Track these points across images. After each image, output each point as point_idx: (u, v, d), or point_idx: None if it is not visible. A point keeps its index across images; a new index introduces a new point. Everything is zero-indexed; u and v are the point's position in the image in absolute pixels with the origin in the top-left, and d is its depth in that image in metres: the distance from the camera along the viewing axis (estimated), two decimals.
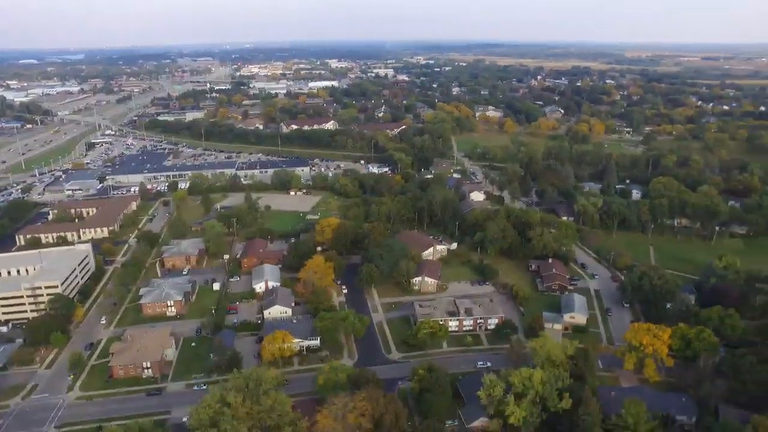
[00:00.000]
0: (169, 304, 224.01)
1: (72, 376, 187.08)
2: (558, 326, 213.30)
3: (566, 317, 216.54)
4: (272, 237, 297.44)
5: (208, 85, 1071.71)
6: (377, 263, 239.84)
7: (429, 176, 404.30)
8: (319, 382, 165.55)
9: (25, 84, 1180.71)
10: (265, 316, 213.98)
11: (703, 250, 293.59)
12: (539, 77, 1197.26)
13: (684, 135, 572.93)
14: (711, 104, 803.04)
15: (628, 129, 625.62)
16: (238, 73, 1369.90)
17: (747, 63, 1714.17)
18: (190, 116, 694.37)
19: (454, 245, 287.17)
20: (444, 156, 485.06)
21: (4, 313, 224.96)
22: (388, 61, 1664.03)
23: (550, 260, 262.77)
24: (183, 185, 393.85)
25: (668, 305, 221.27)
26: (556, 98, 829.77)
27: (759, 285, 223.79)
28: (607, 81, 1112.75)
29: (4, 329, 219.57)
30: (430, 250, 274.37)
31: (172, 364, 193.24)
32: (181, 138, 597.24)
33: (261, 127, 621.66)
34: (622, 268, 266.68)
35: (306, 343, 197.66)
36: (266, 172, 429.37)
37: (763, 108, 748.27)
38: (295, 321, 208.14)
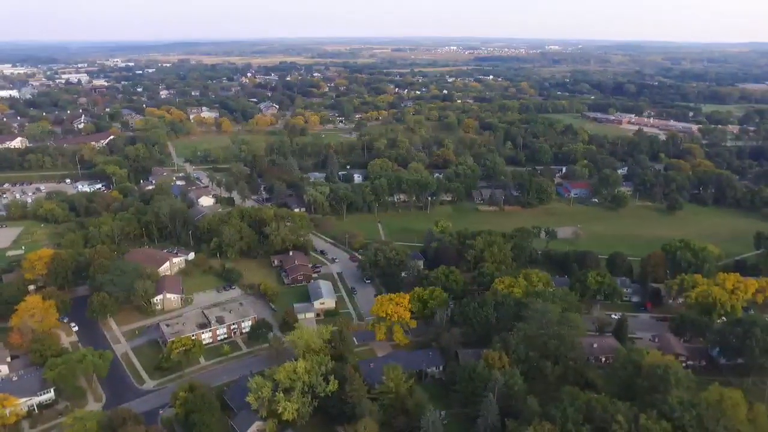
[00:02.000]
0: None
1: None
2: (310, 315, 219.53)
3: (316, 304, 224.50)
4: None
5: None
6: (109, 290, 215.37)
7: (150, 187, 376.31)
8: None
9: None
10: None
11: (422, 220, 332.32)
12: (249, 74, 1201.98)
13: (389, 119, 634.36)
14: (406, 90, 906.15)
15: (340, 118, 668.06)
16: None
17: (427, 53, 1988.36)
18: None
19: (192, 255, 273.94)
20: (163, 163, 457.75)
21: None
22: (80, 65, 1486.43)
23: (291, 253, 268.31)
24: None
25: (403, 274, 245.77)
26: (269, 94, 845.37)
27: (468, 241, 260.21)
28: (315, 74, 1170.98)
29: None
30: (167, 264, 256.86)
31: None
32: None
33: None
34: (358, 248, 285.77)
35: (36, 399, 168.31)
36: None
37: (445, 91, 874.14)
38: (15, 378, 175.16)
